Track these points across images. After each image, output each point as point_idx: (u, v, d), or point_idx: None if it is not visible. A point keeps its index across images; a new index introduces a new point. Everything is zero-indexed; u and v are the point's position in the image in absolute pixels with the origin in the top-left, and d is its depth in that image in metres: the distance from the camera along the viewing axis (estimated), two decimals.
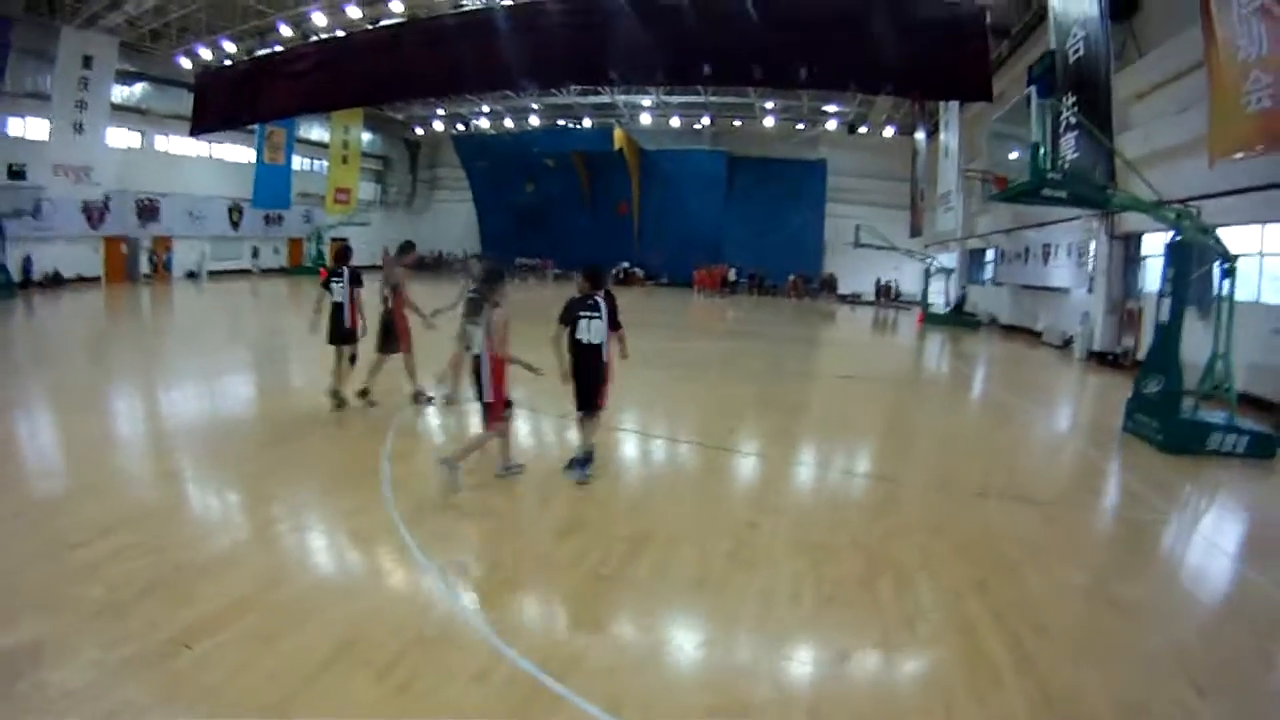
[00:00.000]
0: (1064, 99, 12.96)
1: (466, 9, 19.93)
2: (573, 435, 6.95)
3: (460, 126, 39.85)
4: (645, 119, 36.46)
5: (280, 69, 15.55)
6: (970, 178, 19.09)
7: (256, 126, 28.24)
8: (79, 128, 22.43)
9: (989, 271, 27.03)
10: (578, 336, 6.16)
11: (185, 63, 25.88)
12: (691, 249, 36.48)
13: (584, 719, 3.13)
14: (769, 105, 33.71)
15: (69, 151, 22.38)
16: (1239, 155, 8.67)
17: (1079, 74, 12.85)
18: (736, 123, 36.00)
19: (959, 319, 25.30)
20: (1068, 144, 12.97)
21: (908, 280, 33.53)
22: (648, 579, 4.56)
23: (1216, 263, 8.68)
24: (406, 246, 9.12)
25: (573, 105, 35.68)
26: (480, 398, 6.07)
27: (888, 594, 4.47)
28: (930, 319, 25.84)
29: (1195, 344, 9.01)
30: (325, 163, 34.61)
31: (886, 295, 35.05)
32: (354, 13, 22.12)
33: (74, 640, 3.48)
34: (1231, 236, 9.42)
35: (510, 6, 13.04)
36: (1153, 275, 14.74)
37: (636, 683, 3.43)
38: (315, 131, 34.62)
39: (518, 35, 11.43)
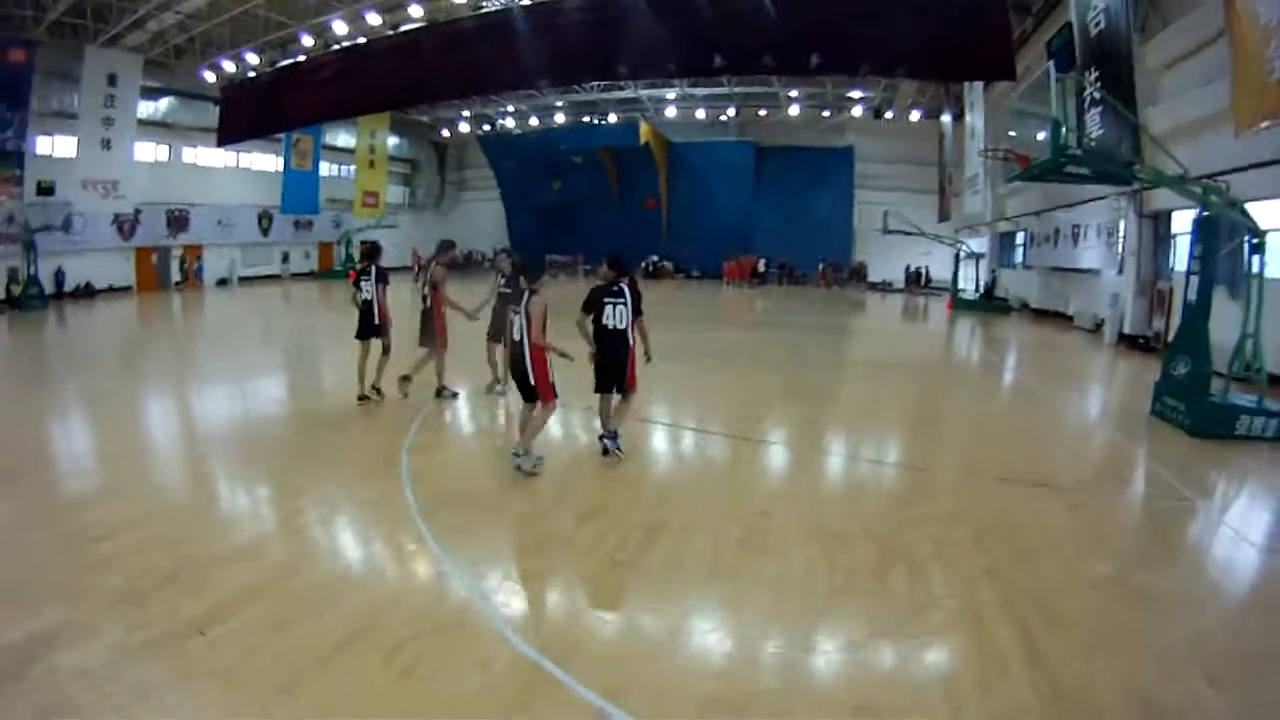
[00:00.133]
0: (1086, 74, 12.69)
1: (483, 11, 20.07)
2: (595, 425, 7.03)
3: (486, 127, 40.07)
4: (670, 112, 36.37)
5: (303, 78, 15.88)
6: (992, 157, 18.72)
7: (283, 135, 28.79)
8: (106, 144, 23.14)
9: (1019, 255, 26.50)
10: (604, 322, 6.46)
11: (210, 76, 26.33)
12: (721, 240, 36.37)
13: (582, 705, 3.17)
14: (793, 93, 33.37)
15: (97, 167, 23.09)
16: (1264, 124, 8.45)
17: (1101, 48, 12.57)
18: (762, 112, 35.75)
19: (989, 304, 24.87)
20: (1092, 120, 12.71)
21: (938, 266, 32.97)
22: (661, 566, 4.59)
23: (1245, 238, 8.45)
24: (446, 245, 9.24)
25: (597, 101, 35.70)
26: (522, 383, 6.22)
27: (900, 582, 4.43)
28: (960, 305, 25.42)
29: (1225, 324, 8.74)
30: (353, 168, 35.10)
31: (917, 282, 34.57)
32: (374, 20, 22.35)
33: (93, 626, 3.63)
34: (1261, 212, 9.09)
35: (525, 6, 13.12)
36: (1183, 254, 14.36)
37: (639, 670, 3.45)
38: (342, 137, 35.11)
39: (532, 35, 11.53)
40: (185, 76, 26.61)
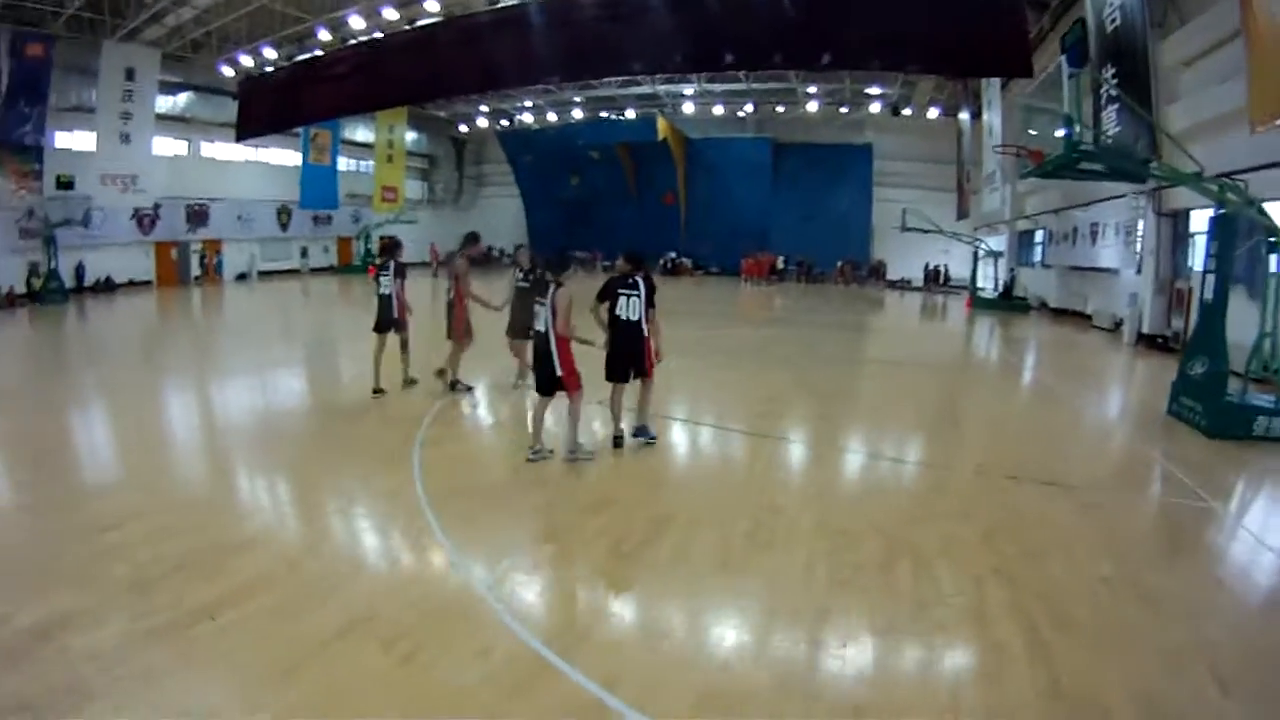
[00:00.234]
0: (1103, 71, 12.54)
1: (500, 5, 20.10)
2: (608, 417, 7.09)
3: (504, 122, 40.13)
4: (688, 108, 36.24)
5: (321, 72, 15.91)
6: (1005, 153, 18.53)
7: (301, 129, 28.93)
8: (125, 138, 23.33)
9: (1038, 254, 26.20)
10: (618, 313, 6.65)
11: (228, 70, 26.52)
12: (739, 237, 36.21)
13: (582, 695, 3.19)
14: (811, 90, 33.13)
15: (116, 161, 23.27)
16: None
17: (1117, 44, 12.40)
18: (779, 108, 35.46)
19: (1008, 303, 24.61)
20: (1109, 117, 12.55)
21: (957, 264, 32.68)
22: (668, 559, 4.62)
23: (1263, 237, 8.32)
24: (471, 237, 9.27)
25: (615, 97, 35.65)
26: (545, 374, 6.33)
27: (905, 579, 4.42)
28: (978, 303, 25.21)
29: (1243, 323, 8.62)
30: (371, 163, 35.24)
31: (935, 280, 34.27)
32: (390, 14, 22.46)
33: (102, 612, 3.71)
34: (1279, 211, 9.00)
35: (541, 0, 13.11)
36: (1201, 253, 14.18)
37: (639, 661, 3.48)
38: (360, 132, 35.28)
39: (547, 29, 11.52)
40: (203, 71, 26.84)
